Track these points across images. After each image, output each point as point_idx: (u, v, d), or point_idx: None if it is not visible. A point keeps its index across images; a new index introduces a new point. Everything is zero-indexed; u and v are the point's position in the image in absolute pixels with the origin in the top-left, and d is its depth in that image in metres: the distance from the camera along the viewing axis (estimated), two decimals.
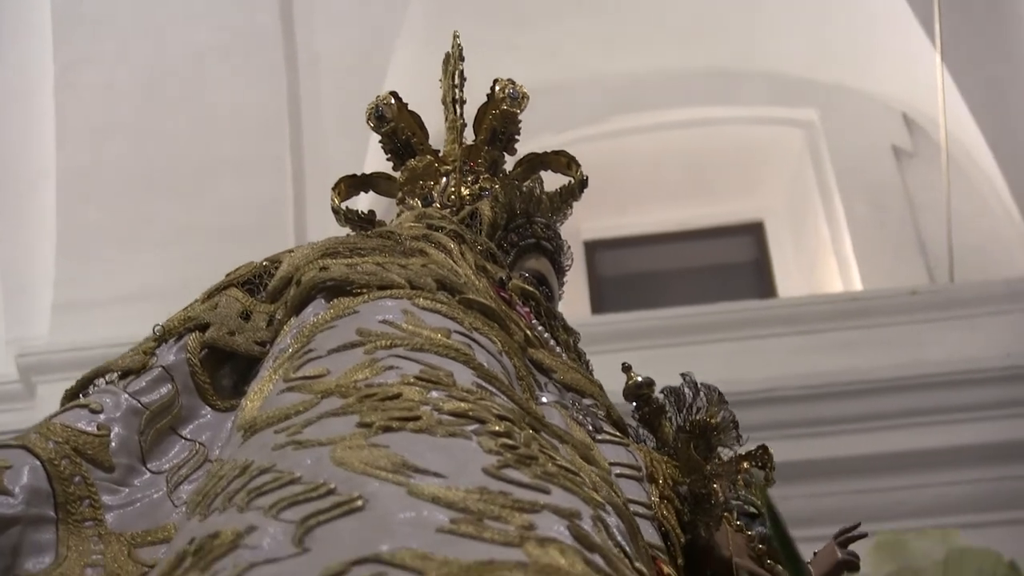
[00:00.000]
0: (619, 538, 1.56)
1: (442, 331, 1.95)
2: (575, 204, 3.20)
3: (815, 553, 2.41)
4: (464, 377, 1.78)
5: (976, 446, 5.91)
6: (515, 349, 2.19)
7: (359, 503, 1.27)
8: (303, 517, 1.26)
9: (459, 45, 3.16)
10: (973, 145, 7.51)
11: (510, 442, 1.53)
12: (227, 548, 1.23)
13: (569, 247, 3.06)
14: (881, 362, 6.33)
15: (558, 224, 3.08)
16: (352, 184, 3.31)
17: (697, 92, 8.22)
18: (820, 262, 8.15)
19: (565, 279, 3.03)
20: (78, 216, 7.03)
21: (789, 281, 8.21)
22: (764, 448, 2.51)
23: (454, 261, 2.36)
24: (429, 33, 6.95)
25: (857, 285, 7.52)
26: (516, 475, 1.42)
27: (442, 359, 1.82)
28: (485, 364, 1.92)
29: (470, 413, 1.59)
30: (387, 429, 1.50)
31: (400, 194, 3.15)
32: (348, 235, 2.70)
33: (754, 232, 8.74)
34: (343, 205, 3.23)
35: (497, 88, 3.16)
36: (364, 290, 2.10)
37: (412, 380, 1.69)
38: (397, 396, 1.62)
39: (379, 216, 3.20)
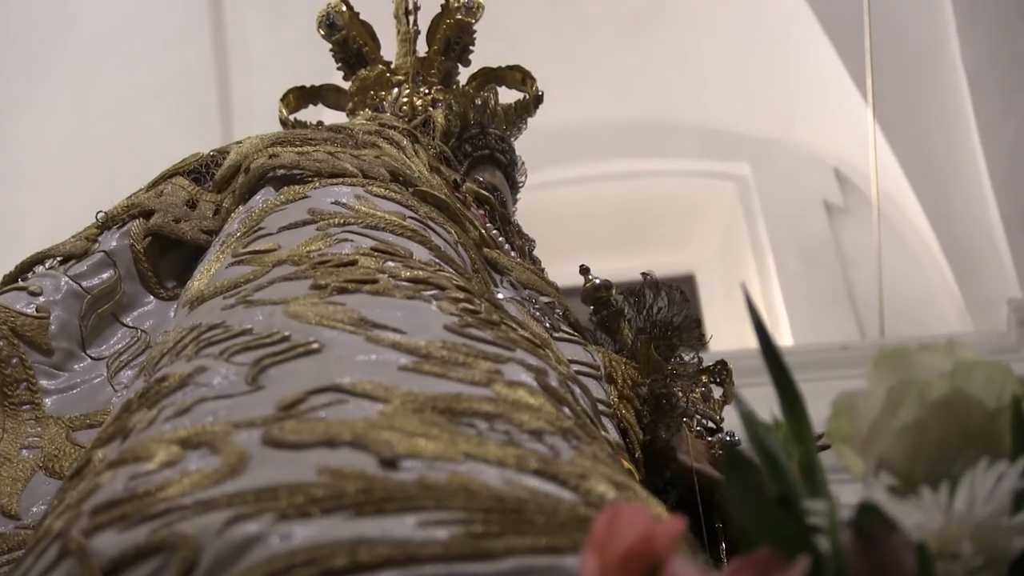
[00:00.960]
0: (584, 406, 1.50)
1: (397, 215, 1.88)
2: None
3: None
4: (421, 254, 1.72)
5: None
6: (470, 244, 2.12)
7: (315, 346, 1.21)
8: (256, 359, 1.19)
9: None
10: (904, 201, 7.52)
11: (471, 307, 1.46)
12: (175, 386, 1.17)
13: (523, 163, 2.99)
14: (812, 415, 6.19)
15: (512, 140, 3.01)
16: (301, 96, 3.23)
17: (629, 144, 8.16)
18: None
19: (518, 196, 2.96)
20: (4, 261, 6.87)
21: (719, 334, 8.17)
22: (723, 363, 2.45)
23: (407, 157, 2.29)
24: None
25: (788, 340, 7.49)
26: (479, 333, 1.35)
27: (398, 238, 1.76)
28: (442, 247, 1.85)
29: (430, 280, 1.53)
30: (342, 291, 1.43)
31: (351, 104, 3.07)
32: (297, 130, 2.62)
33: (685, 285, 8.60)
34: (291, 117, 3.15)
35: None
36: (315, 177, 2.02)
37: (367, 251, 1.62)
38: (353, 263, 1.55)
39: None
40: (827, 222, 7.99)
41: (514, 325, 1.52)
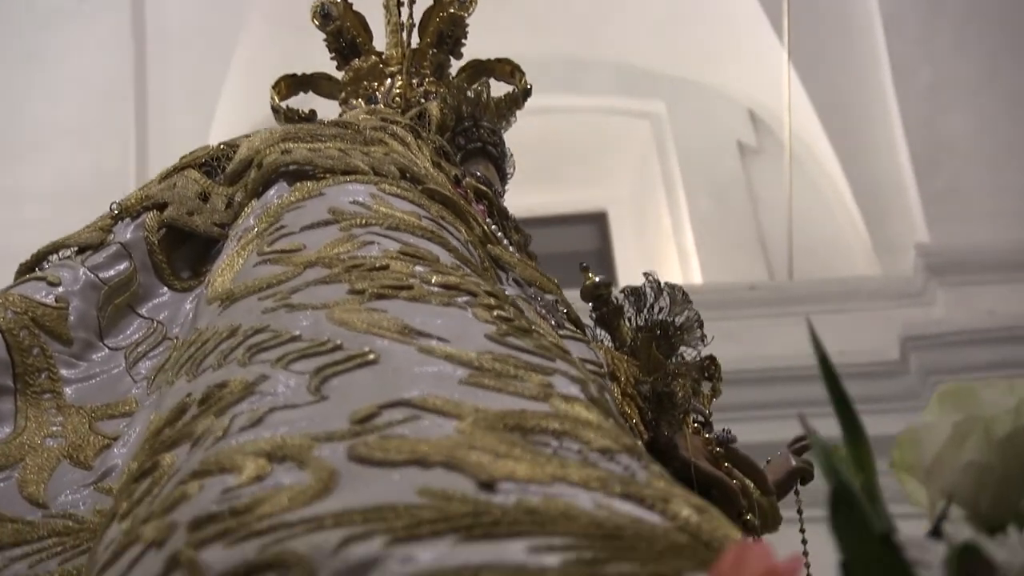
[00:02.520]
0: (615, 412, 1.54)
1: (412, 214, 1.91)
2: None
3: (768, 460, 2.41)
4: (443, 256, 1.75)
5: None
6: (476, 242, 2.16)
7: (372, 356, 1.24)
8: (316, 368, 1.22)
9: None
10: (816, 144, 7.62)
11: (504, 314, 1.50)
12: (240, 394, 1.20)
13: (512, 155, 3.02)
14: (719, 355, 6.25)
15: (502, 131, 3.04)
16: (292, 84, 3.24)
17: (544, 79, 8.04)
18: (661, 254, 8.15)
19: (506, 187, 3.00)
20: None
21: (630, 271, 8.20)
22: (712, 358, 2.50)
23: (413, 154, 2.33)
24: (281, 6, 6.94)
25: (697, 278, 7.56)
26: (519, 343, 1.39)
27: (419, 239, 1.79)
28: (459, 248, 1.89)
29: (460, 286, 1.56)
30: (380, 296, 1.46)
31: (343, 94, 3.09)
32: (304, 124, 2.65)
33: (597, 222, 8.77)
34: (283, 104, 3.16)
35: None
36: (327, 174, 2.06)
37: (396, 254, 1.66)
38: (385, 268, 1.59)
39: (321, 118, 3.14)
40: (740, 162, 8.05)
41: (542, 331, 1.57)
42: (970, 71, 7.32)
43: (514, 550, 0.81)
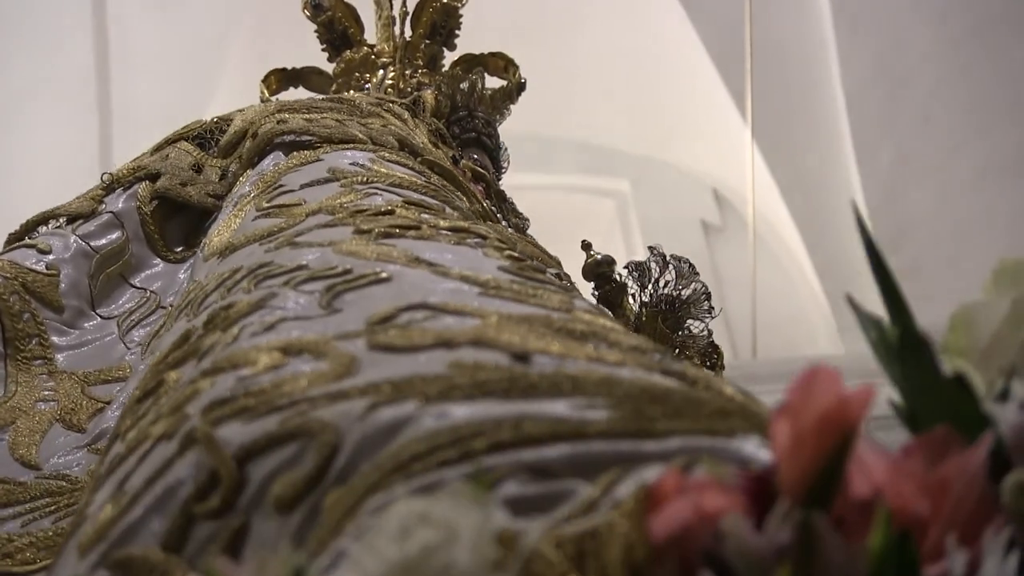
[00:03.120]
0: None
1: (414, 175, 1.87)
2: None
3: None
4: (449, 212, 1.70)
5: None
6: (477, 216, 2.11)
7: (384, 275, 1.18)
8: (326, 287, 1.17)
9: None
10: (780, 222, 7.61)
11: (515, 255, 1.45)
12: (248, 310, 1.14)
13: (506, 148, 2.99)
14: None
15: (496, 124, 3.01)
16: (283, 78, 3.21)
17: (510, 157, 8.16)
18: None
19: (501, 179, 2.96)
20: None
21: None
22: (714, 345, 2.46)
23: (411, 129, 2.28)
24: (248, 85, 6.84)
25: None
26: (534, 276, 1.33)
27: (422, 196, 1.74)
28: (464, 210, 1.85)
29: (470, 229, 1.51)
30: (388, 235, 1.41)
31: (335, 86, 3.06)
32: (299, 99, 2.60)
33: None
34: (273, 99, 3.12)
35: None
36: (324, 143, 2.01)
37: (400, 204, 1.61)
38: (391, 212, 1.54)
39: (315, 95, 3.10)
40: (704, 240, 8.09)
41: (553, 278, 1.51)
42: (932, 149, 7.34)
43: (555, 406, 0.76)
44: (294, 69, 3.21)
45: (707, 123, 7.72)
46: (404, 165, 1.96)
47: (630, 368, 0.86)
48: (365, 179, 1.75)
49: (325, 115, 2.13)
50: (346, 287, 1.15)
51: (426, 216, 1.55)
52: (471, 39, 3.07)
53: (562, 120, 7.99)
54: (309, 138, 2.03)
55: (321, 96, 2.52)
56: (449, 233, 1.46)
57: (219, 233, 1.74)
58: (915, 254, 7.15)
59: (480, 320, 0.98)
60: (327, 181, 1.76)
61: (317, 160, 1.91)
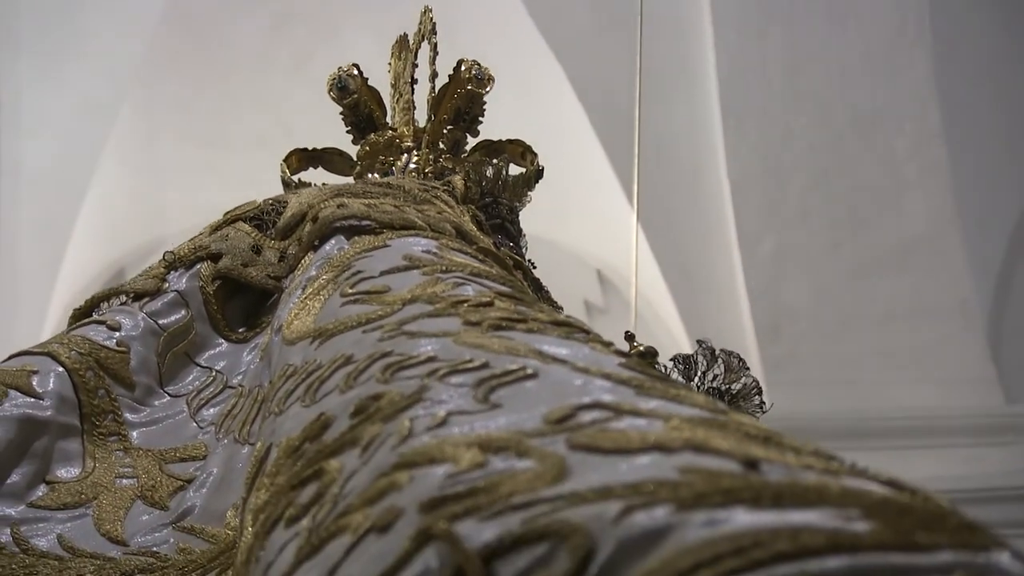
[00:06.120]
0: None
1: (485, 265, 1.89)
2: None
3: None
4: (540, 304, 1.71)
5: None
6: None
7: (530, 371, 1.17)
8: (475, 381, 1.16)
9: (432, 20, 3.11)
10: (662, 306, 7.81)
11: (620, 351, 1.46)
12: (406, 403, 1.14)
13: (525, 235, 3.03)
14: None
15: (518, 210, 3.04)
16: (303, 158, 3.23)
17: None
18: None
19: None
20: None
21: None
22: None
23: (459, 216, 2.32)
24: (134, 151, 7.06)
25: None
26: (654, 373, 1.34)
27: (501, 286, 1.75)
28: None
29: (571, 323, 1.51)
30: (498, 327, 1.40)
31: (358, 168, 3.08)
32: (353, 183, 2.63)
33: None
34: (295, 178, 3.15)
35: (463, 68, 3.11)
36: (385, 228, 2.04)
37: (495, 295, 1.61)
38: (490, 304, 1.54)
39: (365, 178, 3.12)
40: (586, 320, 8.09)
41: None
42: (811, 242, 7.54)
43: (811, 516, 0.77)
44: (315, 150, 3.23)
45: (593, 204, 7.91)
46: (466, 253, 1.98)
47: (848, 475, 0.88)
48: (445, 268, 1.76)
49: (382, 200, 2.16)
50: (497, 382, 1.15)
51: (523, 308, 1.56)
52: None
53: None
54: (369, 223, 2.06)
55: (371, 180, 2.55)
56: (554, 327, 1.46)
57: (298, 317, 1.76)
58: (792, 342, 7.32)
59: (663, 422, 0.98)
60: (407, 268, 1.77)
61: (384, 246, 1.94)
